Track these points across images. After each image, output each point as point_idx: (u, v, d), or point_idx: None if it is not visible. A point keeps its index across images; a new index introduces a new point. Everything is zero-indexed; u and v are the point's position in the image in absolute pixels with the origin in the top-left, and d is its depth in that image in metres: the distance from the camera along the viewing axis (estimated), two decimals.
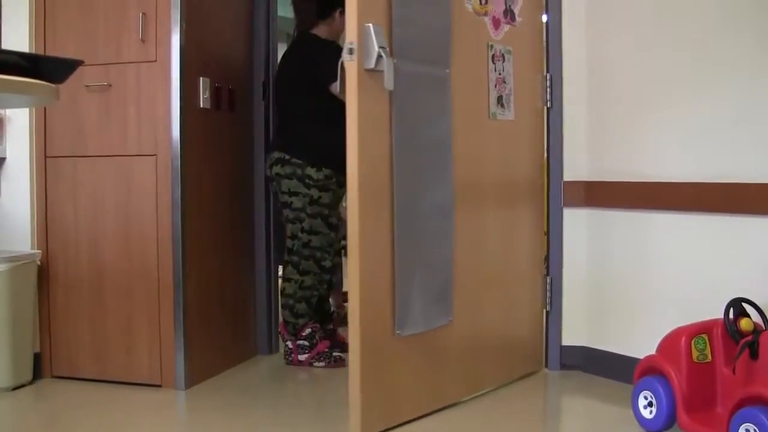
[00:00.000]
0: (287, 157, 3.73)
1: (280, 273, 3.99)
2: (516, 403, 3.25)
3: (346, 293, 5.31)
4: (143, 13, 3.39)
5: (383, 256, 2.83)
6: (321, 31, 3.85)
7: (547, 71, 3.70)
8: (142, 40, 3.40)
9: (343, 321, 4.95)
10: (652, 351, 2.83)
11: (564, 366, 3.71)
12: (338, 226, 4.09)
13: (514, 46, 3.46)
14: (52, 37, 3.54)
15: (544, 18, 3.70)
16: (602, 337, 3.60)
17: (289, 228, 3.82)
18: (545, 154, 3.73)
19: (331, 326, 4.12)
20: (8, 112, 3.59)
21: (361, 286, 2.73)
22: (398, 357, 2.89)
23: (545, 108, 3.71)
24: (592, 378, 3.58)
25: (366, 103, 2.74)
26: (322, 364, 3.82)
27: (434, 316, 3.05)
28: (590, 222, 3.64)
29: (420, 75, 2.96)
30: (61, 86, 2.12)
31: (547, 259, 3.78)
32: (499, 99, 3.39)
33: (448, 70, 3.09)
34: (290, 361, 3.86)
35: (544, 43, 3.70)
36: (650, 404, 2.78)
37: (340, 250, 4.23)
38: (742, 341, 2.55)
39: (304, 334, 3.82)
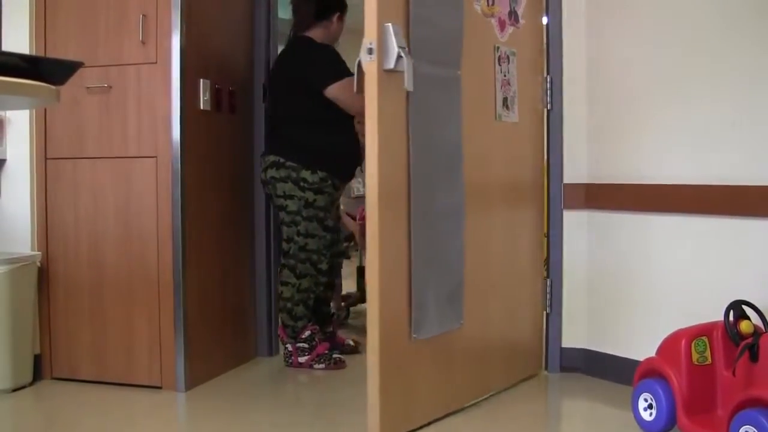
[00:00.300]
0: (282, 160, 3.73)
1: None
2: (518, 405, 3.24)
3: (345, 296, 5.32)
4: (144, 15, 3.39)
5: (400, 259, 2.81)
6: (316, 34, 3.85)
7: (548, 73, 3.70)
8: (143, 42, 3.40)
9: (342, 323, 4.96)
10: (652, 353, 2.83)
11: (564, 368, 3.71)
12: (339, 229, 4.09)
13: (517, 47, 3.46)
14: (53, 38, 3.54)
15: (545, 20, 3.70)
16: (602, 339, 3.60)
17: (285, 231, 3.82)
18: (545, 156, 3.73)
19: (331, 329, 4.11)
20: (8, 113, 3.59)
21: (381, 289, 2.70)
22: (413, 360, 2.87)
23: (545, 110, 3.71)
24: (592, 380, 3.58)
25: (385, 103, 2.71)
26: (322, 366, 3.81)
27: (447, 319, 3.03)
28: (590, 224, 3.64)
29: (434, 76, 2.93)
30: (62, 88, 2.12)
31: (547, 261, 3.78)
32: (505, 101, 3.38)
33: (459, 72, 3.07)
34: (290, 363, 3.86)
35: (545, 45, 3.70)
36: (650, 406, 2.78)
37: (342, 252, 4.21)
38: (742, 343, 2.55)
39: (303, 336, 3.82)
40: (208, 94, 3.59)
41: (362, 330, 4.72)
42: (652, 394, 2.76)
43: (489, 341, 3.32)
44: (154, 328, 3.44)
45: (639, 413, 2.82)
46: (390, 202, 2.74)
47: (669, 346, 2.76)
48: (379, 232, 2.69)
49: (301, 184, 3.71)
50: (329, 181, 3.74)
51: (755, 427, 2.34)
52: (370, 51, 2.67)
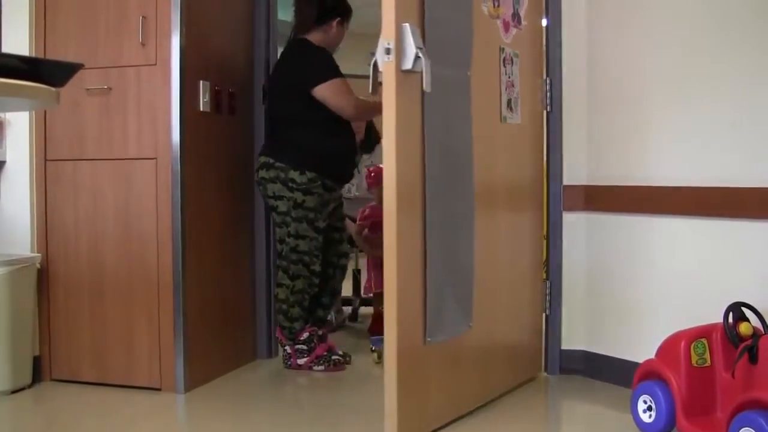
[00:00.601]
0: (271, 161, 3.73)
1: None
2: (520, 408, 3.24)
3: (341, 299, 5.30)
4: (143, 17, 3.39)
5: (415, 262, 2.78)
6: (315, 37, 3.85)
7: (547, 75, 3.70)
8: (143, 44, 3.41)
9: (339, 326, 4.93)
10: (652, 355, 2.83)
11: (563, 370, 3.71)
12: (344, 229, 4.06)
13: (520, 49, 3.45)
14: (53, 40, 3.55)
15: (544, 22, 3.70)
16: (601, 341, 3.60)
17: (278, 232, 3.82)
18: (545, 158, 3.73)
19: (321, 333, 4.03)
20: (8, 115, 3.59)
21: (399, 293, 2.67)
22: (427, 365, 2.85)
23: (545, 112, 3.71)
24: (591, 382, 3.58)
25: (402, 104, 2.68)
26: (321, 367, 3.81)
27: (458, 323, 3.02)
28: (589, 226, 3.64)
29: (447, 77, 2.90)
30: (62, 89, 2.12)
31: (546, 262, 3.78)
32: (509, 102, 3.37)
33: (469, 73, 3.06)
34: (289, 365, 3.85)
35: (544, 47, 3.70)
36: (649, 408, 2.78)
37: (347, 254, 4.18)
38: (742, 345, 2.55)
39: (301, 338, 3.81)
40: (207, 95, 3.59)
41: (362, 333, 4.74)
42: (651, 396, 2.76)
43: (494, 344, 3.31)
44: (153, 330, 3.44)
45: (638, 415, 2.82)
46: (406, 205, 2.72)
47: (668, 348, 2.76)
48: (397, 236, 2.66)
49: (290, 184, 3.70)
50: (318, 182, 3.72)
51: (755, 429, 2.34)
52: (387, 51, 2.64)
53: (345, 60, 4.02)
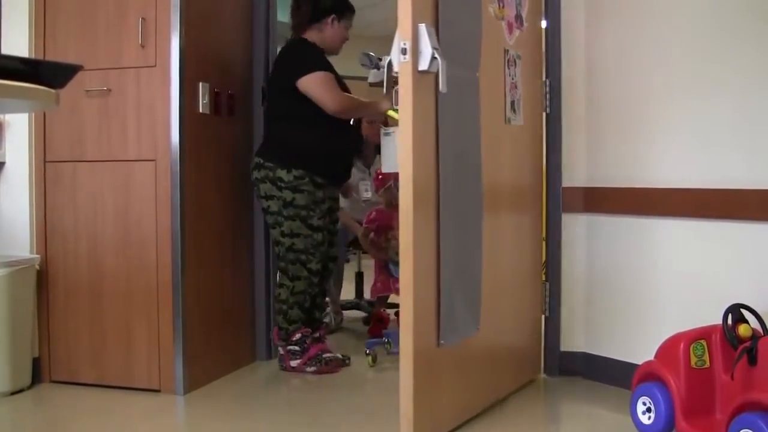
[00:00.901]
0: (261, 161, 3.74)
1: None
2: (521, 410, 3.24)
3: (346, 302, 5.30)
4: (143, 18, 3.39)
5: (429, 263, 2.77)
6: (311, 36, 3.85)
7: (546, 76, 3.70)
8: (142, 45, 3.41)
9: (338, 327, 4.92)
10: (651, 357, 2.84)
11: (563, 372, 3.71)
12: (335, 232, 4.05)
13: (522, 51, 3.45)
14: (52, 42, 3.55)
15: (543, 23, 3.70)
16: (601, 342, 3.60)
17: (272, 234, 3.81)
18: (544, 160, 3.73)
19: (318, 335, 4.03)
20: (8, 116, 3.59)
21: (414, 296, 2.66)
22: (440, 367, 2.83)
23: (544, 113, 3.71)
24: (590, 384, 3.58)
25: (418, 105, 2.66)
26: (313, 368, 3.78)
27: (468, 325, 3.01)
28: (589, 227, 3.64)
29: (457, 78, 2.88)
30: (61, 91, 2.12)
31: (545, 264, 3.78)
32: (512, 104, 3.36)
33: (478, 74, 3.04)
34: (283, 367, 3.85)
35: (544, 49, 3.71)
36: (649, 410, 2.78)
37: (335, 257, 4.15)
38: (741, 347, 2.55)
39: (294, 339, 3.79)
40: (207, 97, 3.59)
41: (362, 335, 4.74)
42: (650, 398, 2.76)
43: (498, 347, 3.31)
44: (153, 331, 3.44)
45: (638, 417, 2.82)
46: (421, 207, 2.70)
47: (667, 349, 2.76)
48: (413, 237, 2.64)
49: (278, 183, 3.69)
50: (307, 179, 3.70)
51: (754, 431, 2.34)
52: (404, 51, 2.62)
53: (345, 62, 4.02)
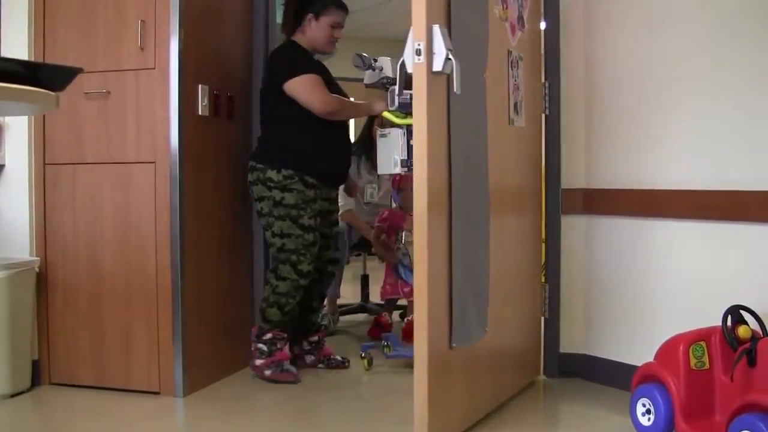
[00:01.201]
0: (253, 163, 3.73)
1: None
2: (522, 412, 3.24)
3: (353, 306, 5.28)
4: (142, 21, 3.40)
5: (442, 267, 2.75)
6: (299, 37, 3.83)
7: (545, 78, 3.70)
8: (141, 48, 3.41)
9: (336, 330, 4.90)
10: (651, 358, 2.84)
11: (562, 373, 3.71)
12: (330, 235, 4.00)
13: (523, 52, 3.44)
14: (52, 44, 3.55)
15: (542, 25, 3.70)
16: (600, 344, 3.60)
17: (265, 235, 3.78)
18: (543, 161, 3.73)
19: (317, 338, 4.02)
20: (7, 119, 3.59)
21: (429, 298, 2.64)
22: (451, 369, 2.82)
23: (543, 115, 3.71)
24: (590, 385, 3.58)
25: (432, 107, 2.65)
26: (269, 372, 3.69)
27: (478, 328, 3.00)
28: (588, 229, 3.64)
29: (467, 79, 2.86)
30: (61, 93, 2.12)
31: (545, 266, 3.78)
32: (515, 105, 3.35)
33: (485, 75, 3.03)
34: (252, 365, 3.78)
35: (543, 50, 3.71)
36: (648, 412, 2.78)
37: (336, 260, 4.13)
38: (740, 348, 2.55)
39: (264, 338, 3.72)
40: (206, 99, 3.60)
41: (363, 338, 4.74)
42: (650, 400, 2.76)
43: (502, 349, 3.30)
44: (152, 334, 3.44)
45: (637, 418, 2.82)
46: (435, 209, 2.68)
47: (667, 351, 2.76)
48: (428, 241, 2.63)
49: (268, 183, 3.67)
50: (296, 179, 3.66)
51: None
52: (418, 52, 2.61)
53: (343, 63, 4.01)
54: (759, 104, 2.95)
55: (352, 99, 3.95)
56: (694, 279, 3.17)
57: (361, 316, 5.38)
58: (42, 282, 3.58)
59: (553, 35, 3.68)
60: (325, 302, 4.82)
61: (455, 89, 2.68)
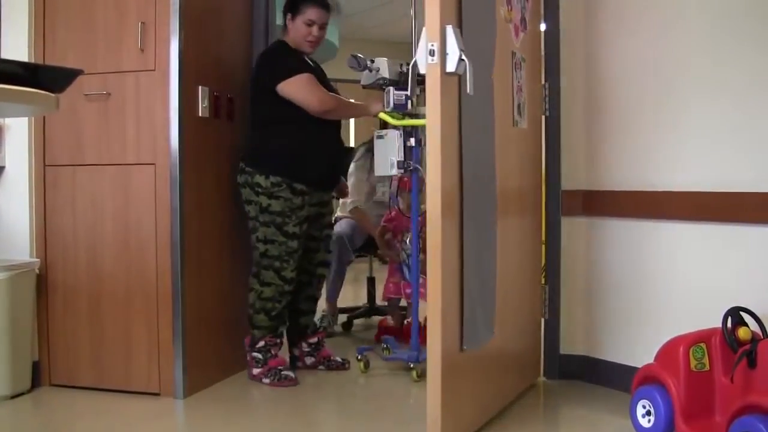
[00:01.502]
0: (242, 165, 3.72)
1: None
2: (521, 413, 3.24)
3: (354, 307, 5.24)
4: (142, 23, 3.40)
5: (454, 269, 2.75)
6: (287, 37, 3.82)
7: (545, 80, 3.70)
8: (141, 50, 3.41)
9: (330, 332, 4.87)
10: (651, 360, 2.84)
11: (562, 375, 3.71)
12: (321, 238, 3.98)
13: (525, 53, 3.44)
14: (52, 46, 3.55)
15: (542, 26, 3.70)
16: (600, 346, 3.60)
17: (251, 238, 3.76)
18: (543, 163, 3.73)
19: (316, 340, 4.01)
20: (7, 120, 3.59)
21: (443, 301, 2.63)
22: (462, 372, 2.82)
23: (543, 117, 3.71)
24: (590, 387, 3.58)
25: (445, 108, 2.64)
26: (267, 380, 3.69)
27: (487, 330, 3.00)
28: (588, 231, 3.64)
29: (477, 80, 2.83)
30: (61, 95, 2.12)
31: (545, 267, 3.78)
32: (519, 107, 3.34)
33: (492, 76, 3.02)
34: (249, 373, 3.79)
35: (543, 52, 3.71)
36: (648, 413, 2.78)
37: (328, 263, 4.10)
38: (740, 350, 2.55)
39: (258, 346, 3.72)
40: (206, 101, 3.60)
41: (365, 341, 4.74)
42: (650, 401, 2.76)
43: (505, 351, 3.30)
44: (152, 335, 3.44)
45: (637, 420, 2.82)
46: (448, 212, 2.67)
47: (667, 352, 2.76)
48: (441, 244, 2.61)
49: (256, 188, 3.66)
50: (284, 186, 3.64)
51: None
52: (431, 53, 2.60)
53: (341, 64, 4.02)
54: (760, 105, 2.95)
55: (352, 100, 3.94)
56: (694, 280, 3.17)
57: (364, 319, 5.36)
58: (42, 283, 3.58)
59: (553, 36, 3.68)
60: (324, 304, 4.83)
61: (468, 90, 2.66)
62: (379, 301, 5.18)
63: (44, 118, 3.56)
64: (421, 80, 3.71)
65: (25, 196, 3.60)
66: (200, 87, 3.55)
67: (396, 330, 4.59)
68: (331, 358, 4.01)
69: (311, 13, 3.74)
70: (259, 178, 3.65)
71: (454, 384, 2.74)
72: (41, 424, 3.25)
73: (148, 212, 3.43)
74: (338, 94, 3.91)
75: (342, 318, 5.14)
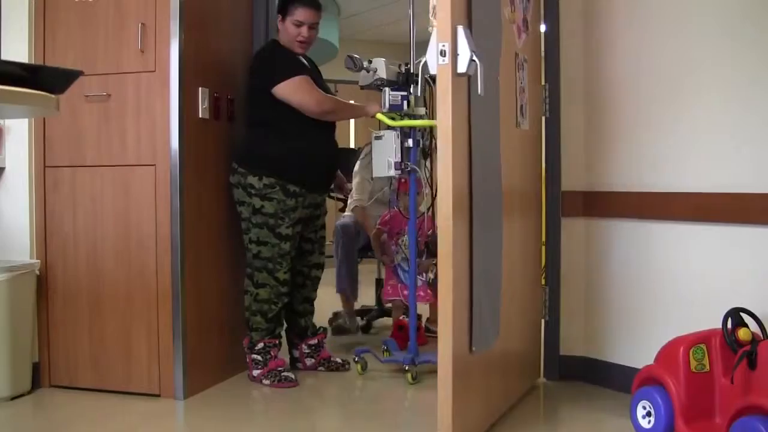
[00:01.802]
0: (235, 166, 3.71)
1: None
2: (521, 414, 3.24)
3: (365, 309, 5.21)
4: (142, 24, 3.40)
5: (464, 271, 2.73)
6: (280, 37, 3.82)
7: (545, 81, 3.70)
8: (142, 51, 3.41)
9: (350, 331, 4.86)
10: (651, 361, 2.84)
11: (562, 376, 3.71)
12: (314, 240, 3.96)
13: (527, 54, 3.43)
14: (52, 47, 3.55)
15: (542, 28, 3.70)
16: (600, 346, 3.60)
17: (244, 239, 3.75)
18: (543, 164, 3.73)
19: (316, 341, 4.01)
20: (8, 122, 3.59)
21: (454, 303, 2.62)
22: (471, 374, 2.81)
23: (543, 117, 3.71)
24: (590, 388, 3.58)
25: (456, 108, 2.63)
26: (268, 382, 3.69)
27: (494, 332, 2.99)
28: (588, 231, 3.64)
29: (485, 81, 2.80)
30: (61, 96, 2.12)
31: (545, 268, 3.78)
32: (521, 108, 3.34)
33: (498, 77, 3.01)
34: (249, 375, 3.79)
35: (543, 53, 3.71)
36: (649, 414, 2.78)
37: (321, 264, 4.05)
38: (741, 351, 2.56)
39: (257, 348, 3.72)
40: (206, 102, 3.60)
41: (368, 342, 4.73)
42: (650, 402, 2.77)
43: (509, 352, 3.29)
44: (152, 336, 3.44)
45: (638, 421, 2.82)
46: (459, 214, 2.66)
47: (667, 353, 2.76)
48: (453, 246, 2.60)
49: (249, 190, 3.65)
50: (277, 188, 3.63)
51: None
52: (442, 53, 2.58)
53: (340, 65, 4.02)
54: (761, 106, 2.95)
55: (352, 102, 3.94)
56: (694, 281, 3.17)
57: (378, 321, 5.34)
58: (42, 285, 3.58)
59: (552, 38, 3.68)
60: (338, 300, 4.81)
61: (479, 91, 2.65)
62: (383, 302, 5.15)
63: (44, 119, 3.55)
64: (418, 80, 3.72)
65: (26, 198, 3.60)
66: (200, 88, 3.55)
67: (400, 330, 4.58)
68: (331, 359, 4.01)
69: (299, 13, 3.73)
70: (252, 179, 3.64)
71: (465, 386, 2.73)
72: (41, 425, 3.25)
73: (149, 214, 3.43)
74: (333, 95, 3.90)
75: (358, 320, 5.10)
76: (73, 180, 3.55)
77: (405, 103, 3.67)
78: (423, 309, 4.73)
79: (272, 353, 3.73)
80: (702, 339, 2.72)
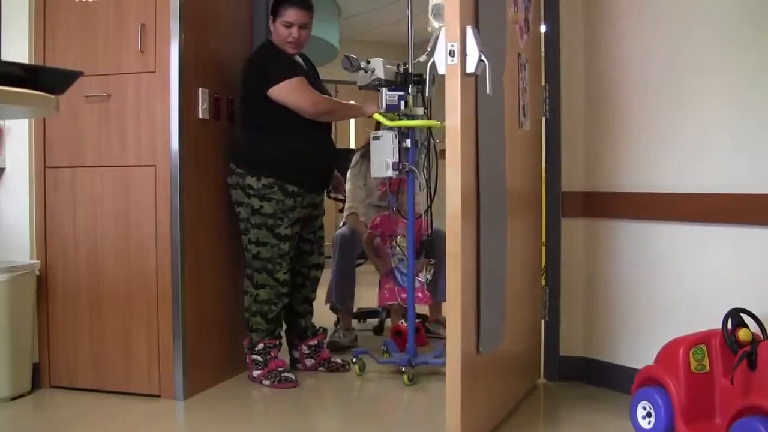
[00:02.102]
0: (233, 166, 3.71)
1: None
2: (521, 415, 3.24)
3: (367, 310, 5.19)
4: (142, 24, 3.40)
5: (471, 272, 2.73)
6: (273, 37, 3.82)
7: (545, 82, 3.70)
8: (142, 51, 3.41)
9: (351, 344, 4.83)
10: (651, 361, 2.84)
11: (562, 377, 3.71)
12: (313, 240, 3.96)
13: (529, 55, 3.43)
14: (52, 48, 3.55)
15: (542, 28, 3.70)
16: (600, 347, 3.60)
17: (243, 240, 3.75)
18: (543, 164, 3.73)
19: (316, 342, 4.01)
20: (8, 122, 3.59)
21: (463, 304, 2.62)
22: (478, 375, 2.80)
23: (543, 118, 3.71)
24: (590, 388, 3.58)
25: (465, 109, 2.62)
26: (268, 382, 3.69)
27: (499, 333, 2.99)
28: (588, 232, 3.64)
29: (492, 81, 2.79)
30: (61, 97, 2.12)
31: (545, 269, 3.78)
32: (523, 108, 3.33)
33: (503, 77, 3.01)
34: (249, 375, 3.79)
35: (543, 54, 3.71)
36: (649, 415, 2.78)
37: (321, 265, 4.05)
38: (741, 352, 2.55)
39: (257, 349, 3.72)
40: (206, 102, 3.60)
41: (370, 343, 4.72)
42: (650, 403, 2.77)
43: (511, 353, 3.29)
44: (152, 337, 3.44)
45: (637, 421, 2.82)
46: (467, 214, 2.65)
47: (667, 354, 2.76)
48: (461, 246, 2.60)
49: (247, 190, 3.65)
50: (276, 188, 3.63)
51: None
52: (451, 53, 2.57)
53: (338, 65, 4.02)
54: (761, 106, 2.95)
55: (352, 102, 3.94)
56: (694, 282, 3.17)
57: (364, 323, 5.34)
58: (42, 285, 3.58)
59: (552, 38, 3.68)
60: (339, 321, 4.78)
61: (488, 91, 2.64)
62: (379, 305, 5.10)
63: (44, 119, 3.56)
64: (416, 80, 3.73)
65: (26, 198, 3.60)
66: (200, 89, 3.56)
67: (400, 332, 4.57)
68: (331, 359, 4.01)
69: (289, 14, 3.72)
70: (251, 180, 3.64)
71: (472, 387, 2.72)
72: (41, 426, 3.25)
73: (149, 214, 3.43)
74: (330, 95, 3.90)
75: (355, 325, 5.03)
76: (73, 180, 3.55)
77: (402, 103, 3.67)
78: (423, 309, 4.73)
79: (272, 354, 3.74)
80: (702, 339, 2.72)
